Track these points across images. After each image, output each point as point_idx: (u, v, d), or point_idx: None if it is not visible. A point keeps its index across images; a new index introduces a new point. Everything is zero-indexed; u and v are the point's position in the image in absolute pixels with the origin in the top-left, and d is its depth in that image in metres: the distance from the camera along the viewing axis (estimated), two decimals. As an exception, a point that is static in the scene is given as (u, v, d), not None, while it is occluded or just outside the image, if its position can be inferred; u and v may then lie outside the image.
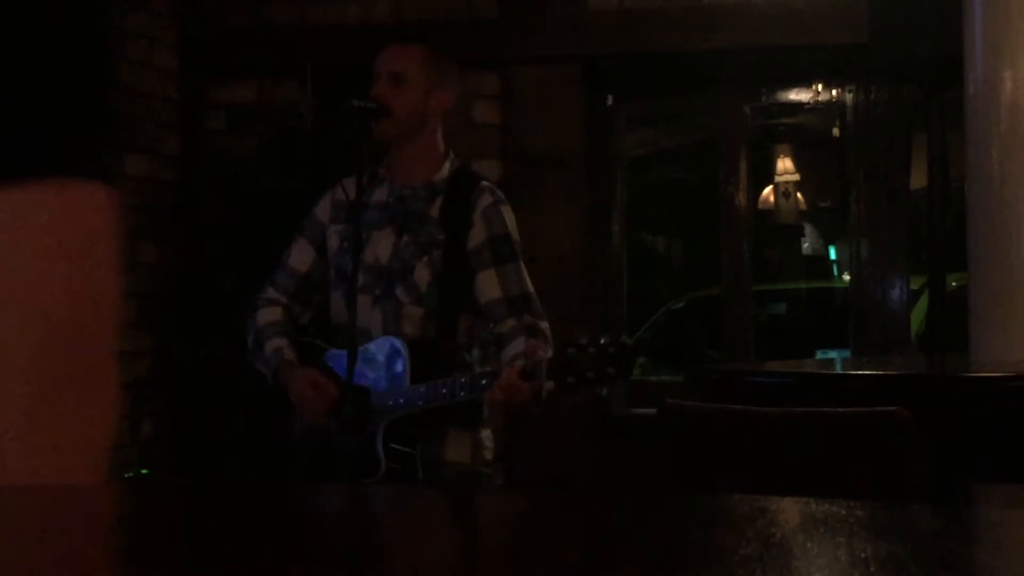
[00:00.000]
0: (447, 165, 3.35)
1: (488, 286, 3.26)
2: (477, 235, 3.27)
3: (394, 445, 3.16)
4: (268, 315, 3.40)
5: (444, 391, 3.10)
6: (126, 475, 4.44)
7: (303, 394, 3.23)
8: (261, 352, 3.36)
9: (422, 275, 3.24)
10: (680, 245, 11.64)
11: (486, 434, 3.32)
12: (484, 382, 3.05)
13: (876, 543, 0.84)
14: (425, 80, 3.31)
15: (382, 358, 3.21)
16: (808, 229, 10.79)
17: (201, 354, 5.09)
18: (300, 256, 3.42)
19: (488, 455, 3.32)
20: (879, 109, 5.37)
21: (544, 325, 3.26)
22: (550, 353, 3.11)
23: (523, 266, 3.31)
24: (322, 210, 3.41)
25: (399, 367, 3.17)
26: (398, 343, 3.19)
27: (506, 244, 3.29)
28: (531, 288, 3.29)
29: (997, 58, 3.96)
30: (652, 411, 3.63)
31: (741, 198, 5.53)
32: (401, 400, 3.15)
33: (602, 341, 2.92)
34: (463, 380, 3.11)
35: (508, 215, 3.32)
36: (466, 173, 3.40)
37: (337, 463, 3.17)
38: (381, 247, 3.29)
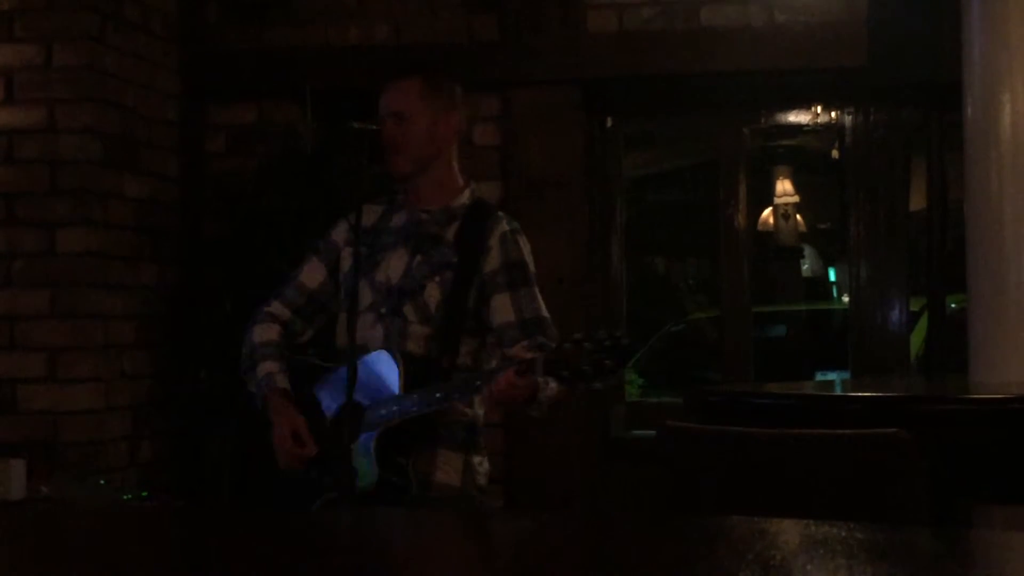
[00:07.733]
0: (467, 193, 3.35)
1: (502, 309, 3.23)
2: (493, 260, 3.25)
3: (387, 455, 3.11)
4: (264, 332, 3.37)
5: (439, 395, 3.07)
6: (125, 497, 4.43)
7: (284, 441, 3.21)
8: (253, 372, 3.34)
9: (432, 294, 3.22)
10: (680, 267, 11.65)
11: (479, 459, 3.28)
12: (479, 383, 3.02)
13: (876, 565, 0.84)
14: (427, 111, 3.28)
15: (375, 370, 3.17)
16: (808, 251, 10.79)
17: (201, 376, 5.08)
18: (311, 273, 3.40)
19: (481, 480, 3.28)
20: (878, 131, 5.38)
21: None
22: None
23: (538, 293, 3.27)
24: (339, 233, 3.40)
25: (392, 377, 3.13)
26: (391, 354, 3.16)
27: (521, 270, 3.27)
28: (546, 313, 3.26)
29: (996, 81, 3.98)
30: (651, 433, 3.64)
31: (741, 220, 5.53)
32: (395, 408, 3.10)
33: (598, 334, 2.86)
34: (457, 382, 3.09)
35: (525, 244, 3.32)
36: (485, 203, 3.40)
37: (324, 475, 3.14)
38: (393, 267, 3.28)
